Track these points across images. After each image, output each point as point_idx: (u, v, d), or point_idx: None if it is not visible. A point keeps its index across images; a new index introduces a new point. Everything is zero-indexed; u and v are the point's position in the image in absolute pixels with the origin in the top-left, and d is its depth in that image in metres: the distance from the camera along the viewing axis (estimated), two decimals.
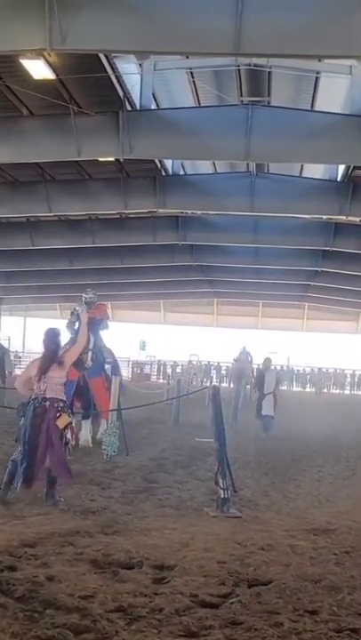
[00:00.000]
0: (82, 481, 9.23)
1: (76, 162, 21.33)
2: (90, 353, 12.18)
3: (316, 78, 17.02)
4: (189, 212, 26.10)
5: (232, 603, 4.98)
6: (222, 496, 7.76)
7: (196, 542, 6.50)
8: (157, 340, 49.82)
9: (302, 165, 22.67)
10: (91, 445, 12.17)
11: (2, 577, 5.29)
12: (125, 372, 33.39)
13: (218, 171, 23.84)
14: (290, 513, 8.18)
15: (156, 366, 47.36)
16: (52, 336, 8.05)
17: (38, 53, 13.63)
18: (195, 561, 5.90)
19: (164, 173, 22.75)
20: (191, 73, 17.56)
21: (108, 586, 5.28)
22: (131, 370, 41.31)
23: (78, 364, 11.06)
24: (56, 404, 7.77)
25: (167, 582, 5.40)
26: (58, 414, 7.74)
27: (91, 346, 12.13)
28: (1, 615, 4.59)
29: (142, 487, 9.13)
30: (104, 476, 9.74)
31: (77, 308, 11.51)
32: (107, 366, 13.12)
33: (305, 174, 23.18)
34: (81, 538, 6.49)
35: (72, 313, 12.83)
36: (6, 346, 32.36)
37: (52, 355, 7.92)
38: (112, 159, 20.04)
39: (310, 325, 50.65)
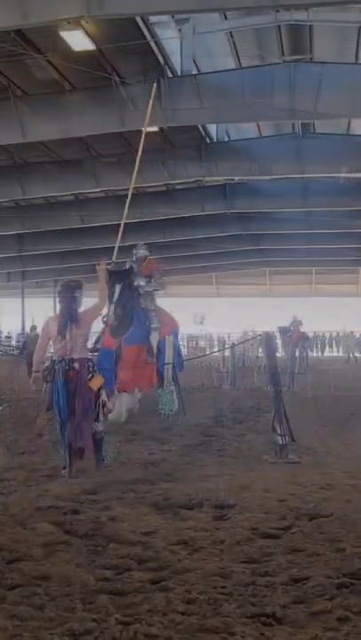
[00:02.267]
0: (140, 437, 9.35)
1: (121, 135, 21.36)
2: (131, 315, 10.44)
3: (359, 29, 16.60)
4: (236, 179, 25.90)
5: (293, 533, 5.00)
6: (280, 442, 7.76)
7: (256, 485, 6.53)
8: (211, 313, 49.79)
9: (349, 122, 22.22)
10: (123, 420, 10.40)
11: (65, 519, 5.40)
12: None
13: (263, 134, 23.54)
14: (350, 458, 8.12)
15: (210, 340, 47.33)
16: (70, 290, 7.30)
17: (77, 23, 13.66)
18: (255, 500, 5.93)
19: (208, 141, 22.61)
20: (231, 34, 17.32)
21: (170, 524, 5.35)
22: (186, 344, 41.40)
23: (115, 330, 10.19)
24: (87, 365, 7.14)
25: (227, 519, 5.44)
26: (90, 375, 7.13)
27: (115, 297, 10.28)
28: (66, 550, 4.70)
29: (200, 441, 9.20)
30: (162, 432, 9.84)
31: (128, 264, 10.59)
32: (153, 334, 10.94)
33: (352, 132, 22.72)
34: (141, 485, 6.58)
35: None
36: None
37: (70, 311, 7.19)
38: (156, 129, 19.99)
39: None
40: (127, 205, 11.49)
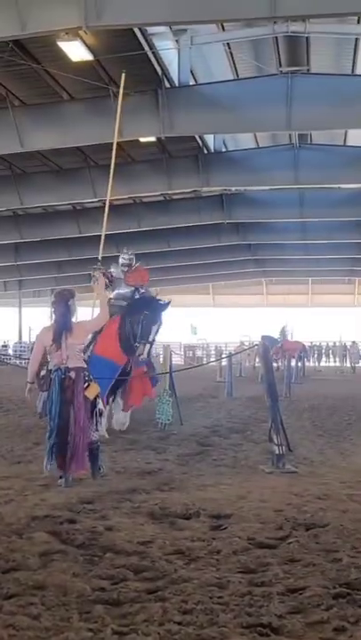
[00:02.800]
0: (137, 447, 9.34)
1: (119, 145, 21.41)
2: (148, 346, 10.24)
3: (356, 41, 16.73)
4: (233, 189, 26.03)
5: (290, 543, 4.99)
6: (277, 452, 7.75)
7: (253, 494, 6.52)
8: (208, 323, 49.84)
9: (346, 134, 22.35)
10: (124, 429, 10.61)
11: (62, 528, 5.38)
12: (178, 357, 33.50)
13: (260, 145, 23.66)
14: (346, 467, 8.12)
15: (207, 349, 47.38)
16: (62, 299, 7.21)
17: (75, 34, 13.74)
18: (251, 510, 5.91)
19: (205, 151, 22.72)
20: (228, 45, 17.43)
21: (166, 533, 5.33)
22: (183, 353, 41.44)
23: (128, 349, 10.14)
24: (82, 374, 7.06)
25: (224, 529, 5.43)
26: (86, 385, 7.05)
27: (151, 337, 10.24)
28: (62, 560, 4.68)
29: (197, 450, 9.18)
30: (159, 442, 9.82)
31: (112, 270, 10.07)
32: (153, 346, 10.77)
33: (349, 143, 22.84)
34: (138, 494, 6.55)
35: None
36: None
37: (64, 319, 7.12)
38: (154, 139, 20.08)
39: None
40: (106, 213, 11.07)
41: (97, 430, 7.33)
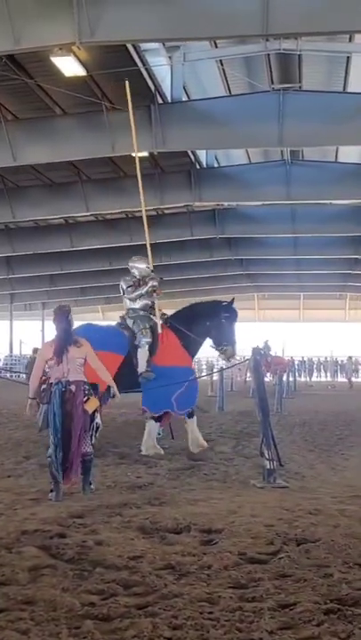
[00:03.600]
0: (128, 461, 9.31)
1: (111, 160, 21.52)
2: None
3: (348, 59, 16.88)
4: (225, 204, 26.14)
5: (281, 558, 4.97)
6: (268, 467, 7.75)
7: (244, 509, 6.50)
8: None
9: (337, 150, 22.50)
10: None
11: (51, 543, 5.35)
12: None
13: (252, 160, 23.79)
14: (337, 482, 8.12)
15: (198, 363, 47.22)
16: (63, 315, 7.39)
17: (68, 49, 13.81)
18: (242, 525, 5.89)
19: (198, 167, 22.82)
20: (221, 62, 17.56)
21: (157, 548, 5.30)
22: None
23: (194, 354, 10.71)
24: (82, 387, 7.18)
25: (215, 544, 5.40)
26: (86, 398, 7.18)
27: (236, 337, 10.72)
28: (51, 574, 4.65)
29: (188, 465, 9.16)
30: (150, 456, 9.78)
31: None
32: None
33: (340, 159, 23.00)
34: (128, 509, 6.53)
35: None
36: None
37: (66, 334, 7.30)
38: (146, 154, 20.15)
39: (353, 316, 50.20)
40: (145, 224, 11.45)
41: (92, 443, 7.41)
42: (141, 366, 10.07)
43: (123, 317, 10.92)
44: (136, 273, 10.83)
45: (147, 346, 10.19)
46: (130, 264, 11.04)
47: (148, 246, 11.20)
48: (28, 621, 3.82)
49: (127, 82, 11.39)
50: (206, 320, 10.69)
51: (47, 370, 7.26)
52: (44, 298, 43.71)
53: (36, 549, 5.12)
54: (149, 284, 10.62)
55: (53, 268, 33.73)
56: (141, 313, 10.62)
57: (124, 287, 10.75)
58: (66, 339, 7.27)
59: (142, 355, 10.16)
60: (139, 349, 10.21)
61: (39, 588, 4.35)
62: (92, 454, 7.35)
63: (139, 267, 10.87)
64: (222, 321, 10.63)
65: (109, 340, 10.04)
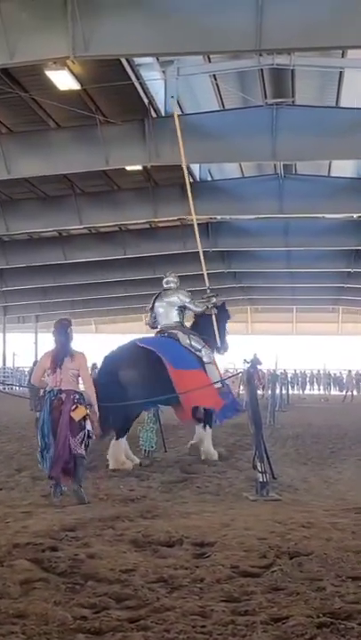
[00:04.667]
0: (120, 474, 9.29)
1: (105, 173, 21.59)
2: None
3: (340, 74, 17.02)
4: (219, 217, 26.22)
5: (273, 571, 4.95)
6: (261, 480, 7.73)
7: (236, 522, 6.48)
8: None
9: (330, 164, 22.63)
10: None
11: (43, 556, 5.32)
12: None
13: (245, 174, 23.90)
14: (330, 495, 8.11)
15: None
16: (62, 328, 7.90)
17: (62, 63, 13.90)
18: (235, 538, 5.87)
19: (191, 180, 22.86)
20: (214, 76, 17.68)
21: (149, 561, 5.28)
22: None
23: None
24: (72, 396, 7.60)
25: (208, 557, 5.38)
26: (74, 406, 7.56)
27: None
28: (43, 588, 4.63)
29: (181, 477, 9.14)
30: (142, 468, 9.78)
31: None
32: None
33: (333, 173, 23.13)
34: (121, 522, 6.50)
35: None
36: None
37: (63, 347, 7.79)
38: (140, 168, 20.25)
39: (345, 329, 50.31)
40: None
41: (84, 451, 7.70)
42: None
43: (162, 332, 11.12)
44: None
45: (213, 362, 10.85)
46: (173, 278, 11.70)
47: (201, 258, 12.68)
48: (19, 635, 3.79)
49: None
50: (202, 320, 11.32)
51: (45, 378, 7.80)
52: (38, 310, 43.69)
53: (27, 562, 5.09)
54: (213, 300, 11.49)
55: (47, 280, 33.75)
56: (188, 329, 11.13)
57: (188, 300, 11.23)
58: (63, 351, 7.74)
59: (213, 370, 10.78)
60: (207, 365, 10.72)
61: (31, 601, 4.32)
62: (83, 456, 7.65)
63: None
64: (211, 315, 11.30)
65: (187, 358, 10.43)
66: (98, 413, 8.03)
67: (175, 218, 25.57)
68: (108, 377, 9.85)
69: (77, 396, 7.64)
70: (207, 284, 12.11)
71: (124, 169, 20.31)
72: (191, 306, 11.19)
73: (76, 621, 4.01)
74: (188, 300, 11.19)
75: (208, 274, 36.05)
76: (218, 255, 30.87)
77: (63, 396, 7.55)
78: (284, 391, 27.33)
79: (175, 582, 4.75)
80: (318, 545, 5.62)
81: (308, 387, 46.86)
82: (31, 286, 35.25)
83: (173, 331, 10.85)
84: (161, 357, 9.95)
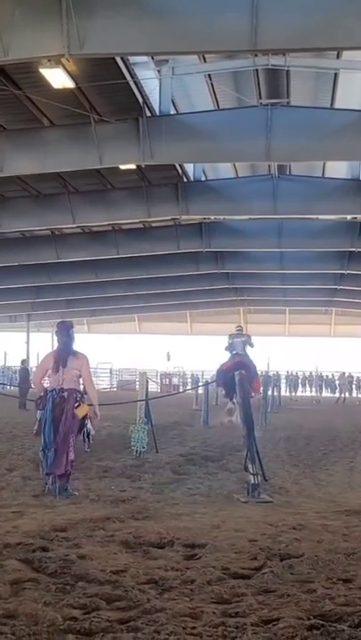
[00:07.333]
0: (112, 474, 9.27)
1: (98, 172, 21.54)
2: None
3: (335, 75, 17.02)
4: (212, 217, 26.19)
5: (264, 573, 4.94)
6: (252, 482, 7.73)
7: (227, 524, 6.47)
8: (185, 350, 49.81)
9: (324, 165, 22.65)
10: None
11: (34, 556, 5.30)
12: (155, 385, 33.43)
13: (239, 175, 23.89)
14: (321, 498, 8.11)
15: (183, 377, 47.32)
16: (64, 328, 8.12)
17: (57, 61, 13.81)
18: (226, 540, 5.87)
19: (185, 180, 22.88)
20: (209, 76, 17.65)
21: (140, 562, 5.26)
22: (159, 381, 41.36)
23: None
24: (75, 395, 7.84)
25: (198, 558, 5.37)
26: (76, 404, 7.82)
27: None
28: (34, 588, 4.60)
29: (172, 479, 9.12)
30: (134, 469, 9.76)
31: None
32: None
33: (327, 174, 23.14)
34: (111, 523, 6.48)
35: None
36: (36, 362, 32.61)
37: (66, 347, 8.00)
38: (134, 167, 20.19)
39: (338, 331, 50.36)
40: None
41: (87, 448, 8.37)
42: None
43: (240, 355, 17.11)
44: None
45: None
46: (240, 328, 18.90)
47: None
48: (9, 635, 3.76)
49: None
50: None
51: (47, 378, 8.00)
52: (29, 309, 43.54)
53: (18, 562, 5.07)
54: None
55: (39, 279, 33.63)
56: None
57: (250, 340, 18.00)
58: (65, 350, 7.96)
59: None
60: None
61: (21, 601, 4.29)
62: (73, 461, 7.93)
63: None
64: None
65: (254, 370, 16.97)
66: (98, 414, 8.20)
67: (169, 218, 25.53)
68: (228, 374, 14.99)
69: (79, 395, 7.89)
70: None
71: (117, 168, 20.24)
72: (249, 343, 17.79)
73: (66, 622, 3.98)
74: (250, 340, 17.94)
75: (201, 274, 36.17)
76: (211, 256, 30.86)
77: (65, 394, 7.75)
78: (275, 393, 27.34)
79: (166, 584, 4.73)
80: (309, 547, 5.62)
81: (300, 388, 46.91)
82: (23, 285, 35.12)
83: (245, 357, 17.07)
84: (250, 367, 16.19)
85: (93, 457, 10.66)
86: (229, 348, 17.44)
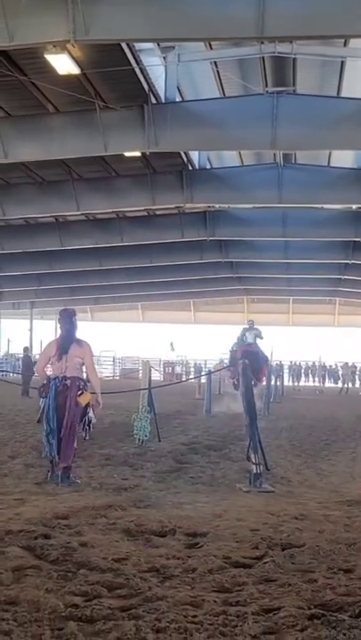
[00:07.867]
0: (114, 463, 9.28)
1: (103, 159, 21.47)
2: None
3: (342, 63, 16.91)
4: (217, 206, 26.10)
5: (265, 563, 4.95)
6: (254, 471, 7.73)
7: (229, 513, 6.48)
8: (188, 339, 49.79)
9: (330, 154, 22.54)
10: None
11: (36, 543, 5.31)
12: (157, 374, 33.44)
13: (244, 163, 23.78)
14: (323, 487, 8.11)
15: (186, 366, 47.32)
16: (67, 316, 8.14)
17: (62, 47, 13.73)
18: (227, 529, 5.87)
19: (190, 168, 22.79)
20: (215, 63, 17.55)
21: (141, 550, 5.28)
22: (162, 370, 41.38)
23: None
24: (78, 383, 7.86)
25: (200, 547, 5.38)
26: (80, 392, 7.83)
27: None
28: (35, 575, 4.61)
29: (174, 467, 9.13)
30: (136, 458, 9.76)
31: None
32: None
33: (333, 163, 23.03)
34: (113, 511, 6.49)
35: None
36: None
37: (69, 334, 8.02)
38: (138, 154, 20.12)
39: (342, 321, 50.29)
40: None
41: (86, 436, 8.43)
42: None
43: (251, 345, 20.20)
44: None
45: None
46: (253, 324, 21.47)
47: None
48: (10, 622, 3.77)
49: None
50: None
51: (50, 365, 8.01)
52: (33, 297, 43.53)
53: (20, 550, 5.08)
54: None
55: (42, 267, 33.59)
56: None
57: (260, 333, 20.83)
58: (68, 338, 7.97)
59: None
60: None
61: (23, 588, 4.31)
62: (76, 449, 7.99)
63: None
64: None
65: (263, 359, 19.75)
66: (101, 402, 8.20)
67: (173, 206, 25.46)
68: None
69: (82, 383, 7.92)
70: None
71: (122, 155, 20.17)
72: (259, 336, 20.53)
73: (67, 609, 3.99)
74: (260, 333, 20.63)
75: (205, 263, 36.30)
76: (215, 244, 30.78)
77: (68, 382, 7.77)
78: (278, 383, 27.35)
79: (167, 572, 4.74)
80: (311, 537, 5.62)
81: (302, 378, 46.91)
82: (26, 272, 35.08)
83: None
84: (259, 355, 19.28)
85: (96, 445, 10.68)
86: (241, 338, 20.07)
